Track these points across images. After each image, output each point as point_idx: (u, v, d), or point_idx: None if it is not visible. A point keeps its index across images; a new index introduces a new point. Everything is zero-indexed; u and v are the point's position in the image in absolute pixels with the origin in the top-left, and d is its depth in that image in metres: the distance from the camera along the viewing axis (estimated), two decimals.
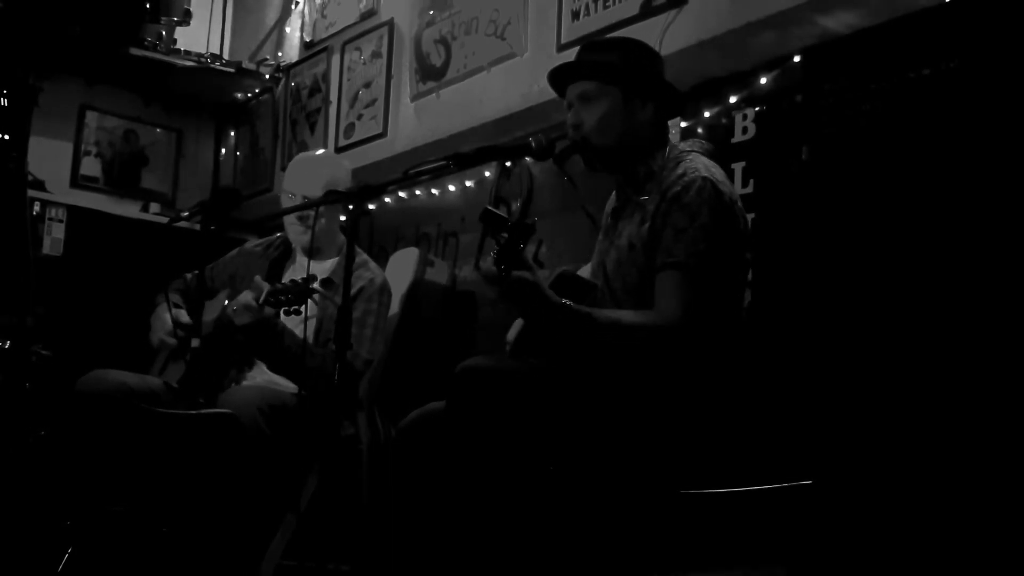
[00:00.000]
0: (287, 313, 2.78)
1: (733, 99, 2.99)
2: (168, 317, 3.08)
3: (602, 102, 2.29)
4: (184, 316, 3.11)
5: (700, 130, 3.08)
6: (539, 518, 2.03)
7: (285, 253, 3.33)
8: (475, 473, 2.05)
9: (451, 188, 4.17)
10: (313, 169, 3.27)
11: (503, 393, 2.05)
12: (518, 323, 2.43)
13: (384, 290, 3.19)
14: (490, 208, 2.02)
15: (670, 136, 2.43)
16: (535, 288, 2.03)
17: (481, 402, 2.04)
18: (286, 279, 2.94)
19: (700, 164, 2.24)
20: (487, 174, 3.95)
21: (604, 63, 2.32)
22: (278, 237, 3.40)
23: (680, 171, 2.22)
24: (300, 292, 2.74)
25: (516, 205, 3.83)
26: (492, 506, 2.04)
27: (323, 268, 3.19)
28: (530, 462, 2.04)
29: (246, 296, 2.83)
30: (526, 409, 2.05)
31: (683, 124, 3.12)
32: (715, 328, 2.16)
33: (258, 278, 2.87)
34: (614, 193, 2.48)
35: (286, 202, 3.24)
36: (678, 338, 2.09)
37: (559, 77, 2.39)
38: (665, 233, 2.16)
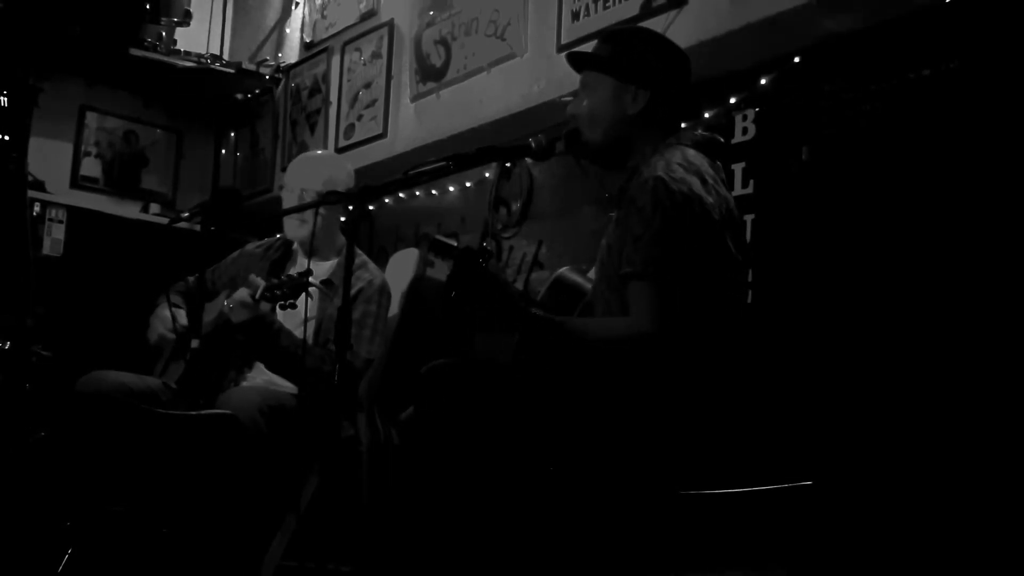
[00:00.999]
0: (283, 307, 2.78)
1: (733, 99, 2.99)
2: (168, 315, 3.08)
3: (597, 92, 2.29)
4: (183, 317, 3.11)
5: (699, 131, 3.07)
6: (539, 519, 2.03)
7: (285, 254, 3.33)
8: (461, 472, 2.05)
9: (451, 189, 4.18)
10: (313, 166, 3.29)
11: (475, 394, 2.05)
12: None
13: (383, 291, 3.19)
14: (438, 237, 2.03)
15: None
16: (500, 299, 2.03)
17: (451, 404, 2.05)
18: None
19: (665, 160, 2.15)
20: (487, 175, 3.95)
21: (596, 53, 2.32)
22: (278, 238, 3.40)
23: (649, 171, 2.14)
24: (296, 286, 2.74)
25: (516, 206, 3.83)
26: (492, 506, 2.04)
27: (322, 269, 3.19)
28: (521, 461, 2.04)
29: (242, 293, 2.83)
30: (510, 408, 2.05)
31: (683, 124, 3.11)
32: (706, 329, 2.11)
33: (253, 276, 2.87)
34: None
35: (286, 197, 3.25)
36: (654, 347, 2.04)
37: (574, 64, 2.39)
38: (625, 239, 2.11)
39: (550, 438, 2.07)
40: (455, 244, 2.00)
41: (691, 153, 2.21)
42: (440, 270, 3.80)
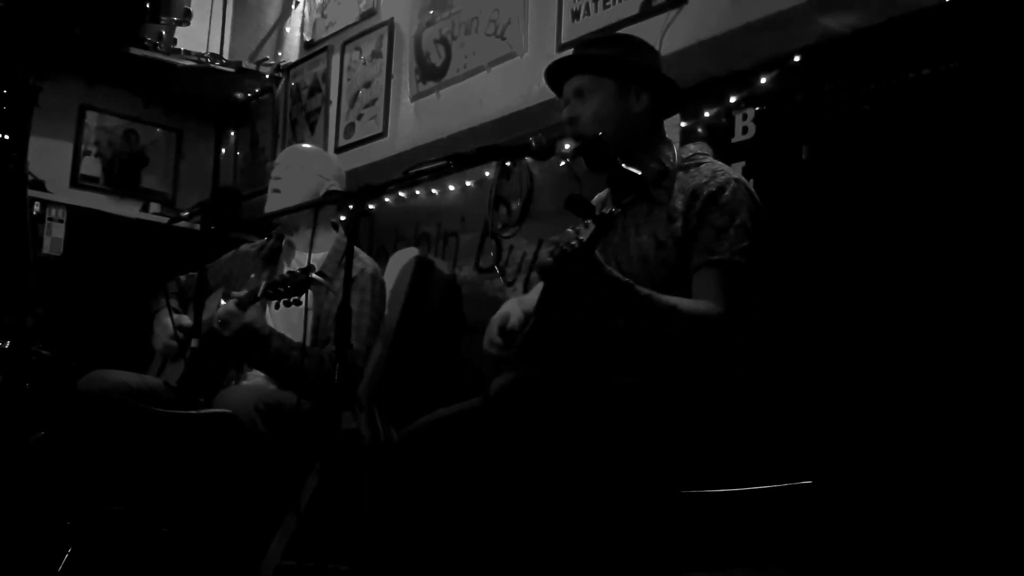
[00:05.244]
0: (287, 304, 2.78)
1: (733, 99, 2.99)
2: (169, 321, 3.08)
3: (597, 95, 2.31)
4: (185, 319, 3.12)
5: (700, 130, 3.08)
6: (541, 518, 2.03)
7: (276, 249, 3.34)
8: (485, 475, 2.06)
9: (451, 188, 4.17)
10: (303, 151, 3.36)
11: (540, 403, 2.05)
12: (497, 318, 2.42)
13: (376, 279, 3.19)
14: (577, 194, 2.01)
15: (670, 137, 2.43)
16: (599, 265, 2.01)
17: (521, 412, 2.05)
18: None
19: (726, 168, 2.28)
20: (487, 174, 3.95)
21: (596, 56, 2.34)
22: (270, 237, 3.41)
23: (708, 172, 2.24)
24: (299, 283, 2.74)
25: (516, 205, 3.83)
26: (493, 507, 2.05)
27: (313, 260, 3.19)
28: (535, 463, 2.04)
29: (228, 305, 2.84)
30: (548, 414, 2.06)
31: (683, 124, 3.11)
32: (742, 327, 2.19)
33: (234, 292, 2.89)
34: (607, 192, 2.48)
35: (272, 182, 3.28)
36: (725, 329, 2.12)
37: (555, 74, 2.40)
38: (702, 232, 2.17)
39: (554, 436, 2.07)
40: (595, 206, 1.99)
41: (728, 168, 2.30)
42: (441, 264, 3.81)
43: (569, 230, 2.00)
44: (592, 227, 1.95)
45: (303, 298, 2.78)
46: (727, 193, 2.18)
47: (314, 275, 2.74)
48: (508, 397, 2.06)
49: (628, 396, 2.10)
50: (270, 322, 3.05)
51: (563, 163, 2.35)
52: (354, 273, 3.09)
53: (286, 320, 3.07)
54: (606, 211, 2.10)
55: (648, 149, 2.33)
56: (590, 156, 2.30)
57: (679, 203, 2.22)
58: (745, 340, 2.21)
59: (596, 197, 2.54)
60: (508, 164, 2.37)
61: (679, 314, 2.10)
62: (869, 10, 2.64)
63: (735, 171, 2.28)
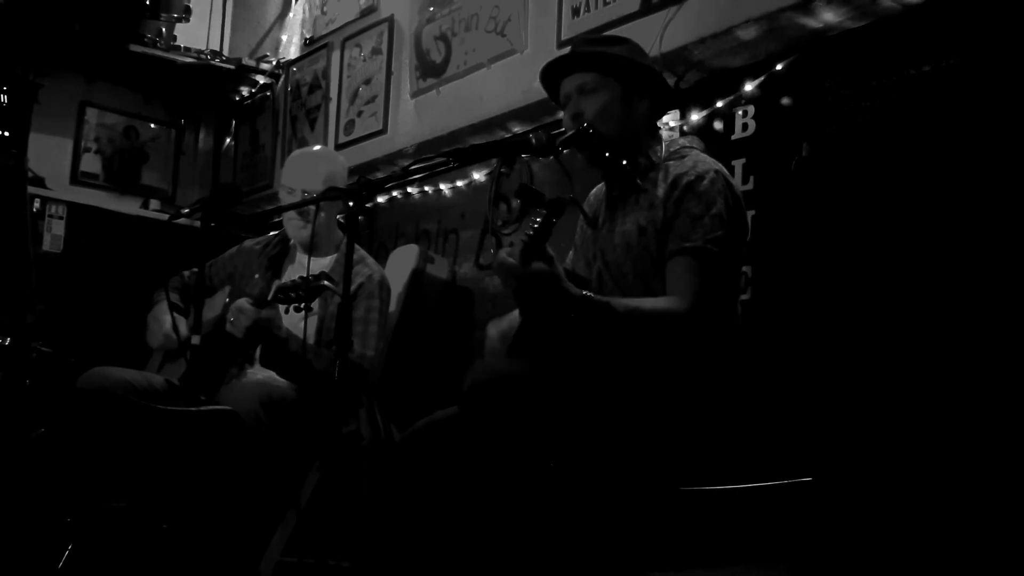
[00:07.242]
0: (297, 310, 2.78)
1: (733, 95, 2.99)
2: (167, 318, 3.07)
3: (602, 94, 2.31)
4: (183, 325, 3.10)
5: (700, 126, 3.07)
6: (540, 515, 2.03)
7: (283, 251, 3.33)
8: (482, 474, 2.05)
9: (451, 185, 4.17)
10: (311, 164, 3.28)
11: (513, 399, 2.04)
12: (497, 323, 2.43)
13: (383, 286, 3.19)
14: (527, 184, 2.02)
15: (665, 132, 2.46)
16: (555, 279, 2.02)
17: (493, 410, 2.04)
18: (286, 278, 2.93)
19: (708, 159, 2.30)
20: (487, 171, 3.94)
21: (606, 55, 2.34)
22: (276, 235, 3.39)
23: (690, 162, 2.27)
24: (311, 290, 2.73)
25: (516, 202, 3.82)
26: (494, 504, 2.05)
27: (321, 265, 3.18)
28: (534, 460, 2.04)
29: (242, 303, 2.83)
30: (532, 412, 2.05)
31: (682, 121, 3.11)
32: (719, 320, 2.19)
33: (243, 301, 2.87)
34: (603, 186, 2.48)
35: (285, 197, 3.24)
36: (690, 324, 2.11)
37: (555, 71, 2.40)
38: (678, 220, 2.19)
39: (554, 434, 2.07)
40: (544, 193, 2.00)
41: (714, 160, 2.32)
42: (439, 268, 3.81)
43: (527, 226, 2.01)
44: (543, 213, 1.96)
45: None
46: (705, 182, 2.20)
47: (326, 283, 2.74)
48: (477, 395, 2.06)
49: (599, 389, 2.10)
50: None
51: (552, 156, 2.34)
52: (362, 279, 3.11)
53: (289, 321, 3.07)
54: (586, 205, 2.09)
55: (640, 146, 2.35)
56: (582, 146, 2.31)
57: (661, 191, 2.25)
58: (726, 331, 2.21)
59: (593, 191, 2.54)
60: (508, 160, 2.37)
61: (641, 314, 2.11)
62: (870, 7, 2.63)
63: (718, 164, 2.30)
